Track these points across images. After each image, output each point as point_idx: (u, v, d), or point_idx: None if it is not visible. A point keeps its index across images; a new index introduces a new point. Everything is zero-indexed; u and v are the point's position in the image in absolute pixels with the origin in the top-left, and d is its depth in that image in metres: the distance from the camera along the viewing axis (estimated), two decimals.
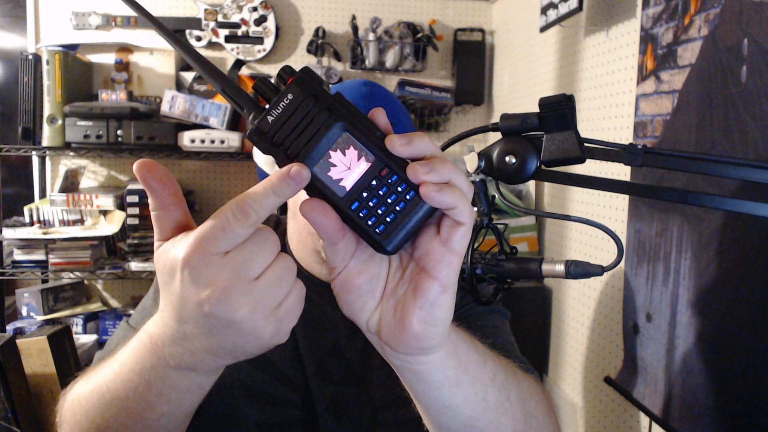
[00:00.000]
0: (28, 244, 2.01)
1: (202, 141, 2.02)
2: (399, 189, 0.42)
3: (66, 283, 2.13)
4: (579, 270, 0.55)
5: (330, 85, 1.21)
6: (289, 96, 0.41)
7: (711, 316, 1.06)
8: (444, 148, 0.61)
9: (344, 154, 0.42)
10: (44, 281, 2.17)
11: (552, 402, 0.66)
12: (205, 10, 2.23)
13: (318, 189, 0.42)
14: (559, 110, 0.54)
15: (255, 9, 2.24)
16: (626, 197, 1.36)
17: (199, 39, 2.25)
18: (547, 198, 1.88)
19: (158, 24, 0.45)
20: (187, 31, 2.24)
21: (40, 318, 2.01)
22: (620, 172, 1.35)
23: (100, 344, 1.98)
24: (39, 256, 2.01)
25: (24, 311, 2.03)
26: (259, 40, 2.26)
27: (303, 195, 0.43)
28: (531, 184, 1.97)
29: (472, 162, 0.59)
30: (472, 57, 2.38)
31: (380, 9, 2.36)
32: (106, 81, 2.21)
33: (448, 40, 2.41)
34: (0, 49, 2.41)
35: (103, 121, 1.95)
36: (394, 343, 0.45)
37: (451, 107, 2.38)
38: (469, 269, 0.60)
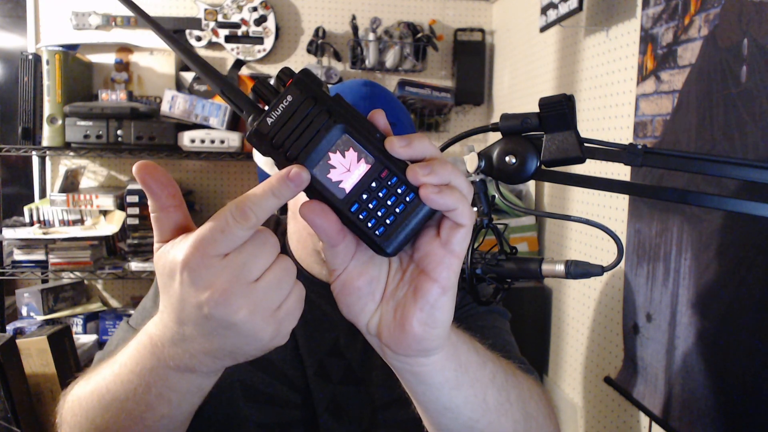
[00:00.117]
0: (28, 244, 2.01)
1: (202, 141, 2.02)
2: (399, 191, 0.42)
3: (66, 283, 2.13)
4: (579, 270, 0.55)
5: (330, 85, 1.21)
6: (289, 98, 0.41)
7: (711, 316, 1.06)
8: (444, 148, 0.61)
9: (344, 156, 0.42)
10: (44, 281, 2.17)
11: (552, 403, 0.66)
12: (205, 10, 2.23)
13: (318, 191, 0.42)
14: (559, 110, 0.54)
15: (255, 9, 2.24)
16: (626, 197, 1.36)
17: (199, 39, 2.25)
18: (547, 198, 1.88)
19: (157, 26, 0.45)
20: (187, 31, 2.24)
21: (40, 318, 2.01)
22: (620, 172, 1.35)
23: (100, 344, 1.98)
24: (39, 256, 2.01)
25: (24, 311, 2.03)
26: (259, 40, 2.26)
27: (303, 196, 0.43)
28: (531, 184, 1.97)
29: (472, 162, 0.59)
30: (472, 57, 2.38)
31: (380, 9, 2.36)
32: (106, 81, 2.21)
33: (448, 40, 2.41)
34: (0, 49, 2.41)
35: (103, 121, 1.95)
36: (394, 345, 0.45)
37: (451, 107, 2.38)
38: (469, 269, 0.60)
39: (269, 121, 0.41)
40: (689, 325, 1.12)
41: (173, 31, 2.25)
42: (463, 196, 0.42)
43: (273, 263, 0.41)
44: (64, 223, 2.10)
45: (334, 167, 0.42)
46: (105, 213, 2.10)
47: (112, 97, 2.03)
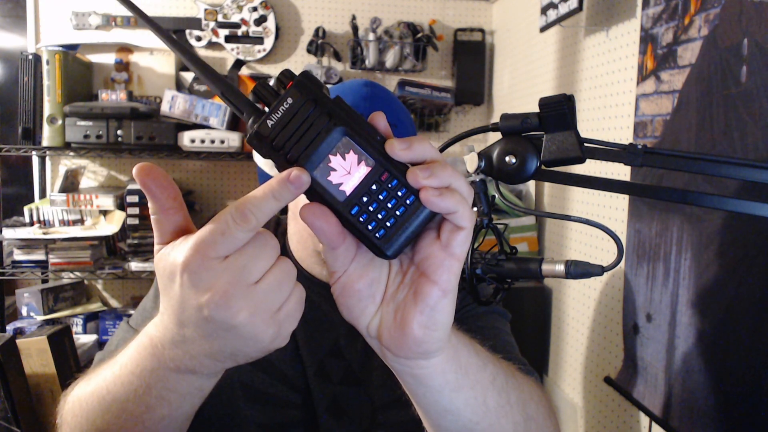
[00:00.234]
0: (28, 244, 2.01)
1: (202, 141, 2.02)
2: (399, 193, 0.42)
3: (66, 283, 2.13)
4: (579, 270, 0.55)
5: (330, 86, 1.21)
6: (289, 100, 0.41)
7: (711, 316, 1.06)
8: (444, 148, 0.61)
9: (344, 159, 0.42)
10: (44, 281, 2.17)
11: (552, 404, 0.66)
12: (205, 10, 2.23)
13: (318, 193, 0.42)
14: (559, 110, 0.54)
15: (255, 9, 2.24)
16: (626, 197, 1.36)
17: (199, 39, 2.25)
18: (547, 198, 1.88)
19: (157, 27, 0.45)
20: (187, 31, 2.24)
21: (40, 318, 2.01)
22: (620, 172, 1.35)
23: (100, 344, 1.98)
24: (39, 256, 2.01)
25: (24, 311, 2.03)
26: (259, 40, 2.25)
27: (304, 197, 0.43)
28: (531, 184, 1.97)
29: (472, 162, 0.59)
30: (472, 57, 2.38)
31: (380, 9, 2.36)
32: (106, 81, 2.20)
33: (448, 40, 2.41)
34: (0, 49, 2.41)
35: (103, 121, 1.95)
36: (394, 347, 0.45)
37: (451, 107, 2.38)
38: (469, 269, 0.60)
39: (270, 123, 0.41)
40: (689, 325, 1.12)
41: (173, 31, 2.26)
42: (464, 199, 0.42)
43: (273, 265, 0.41)
44: (64, 223, 2.10)
45: (334, 170, 0.42)
46: (105, 213, 2.10)
47: (112, 97, 2.03)
